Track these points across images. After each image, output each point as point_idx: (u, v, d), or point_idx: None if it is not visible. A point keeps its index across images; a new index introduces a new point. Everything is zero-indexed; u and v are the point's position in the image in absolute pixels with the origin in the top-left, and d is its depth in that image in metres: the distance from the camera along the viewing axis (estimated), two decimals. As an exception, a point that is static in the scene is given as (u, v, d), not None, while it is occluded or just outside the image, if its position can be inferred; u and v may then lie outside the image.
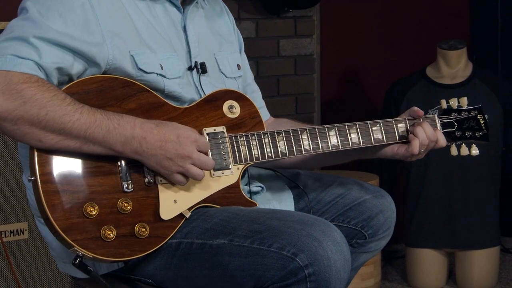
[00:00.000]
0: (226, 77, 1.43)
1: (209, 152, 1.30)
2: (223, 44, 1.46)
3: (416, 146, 1.37)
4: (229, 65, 1.45)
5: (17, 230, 1.92)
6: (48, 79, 1.22)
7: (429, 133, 1.38)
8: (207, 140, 1.29)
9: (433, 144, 1.39)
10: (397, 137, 1.41)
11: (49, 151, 1.21)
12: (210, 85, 1.38)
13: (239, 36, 1.54)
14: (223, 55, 1.44)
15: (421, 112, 1.41)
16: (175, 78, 1.33)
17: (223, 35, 1.48)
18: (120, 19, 1.29)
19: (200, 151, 1.26)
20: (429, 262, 2.60)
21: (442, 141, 1.40)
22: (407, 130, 1.41)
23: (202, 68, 1.37)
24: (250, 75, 1.54)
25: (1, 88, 1.16)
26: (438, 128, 1.43)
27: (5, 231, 1.91)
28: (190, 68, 1.37)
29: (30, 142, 1.20)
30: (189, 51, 1.37)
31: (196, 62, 1.37)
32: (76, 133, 1.19)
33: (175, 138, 1.24)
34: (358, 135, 1.39)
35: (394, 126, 1.41)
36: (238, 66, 1.47)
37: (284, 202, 1.45)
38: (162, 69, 1.31)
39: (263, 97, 1.58)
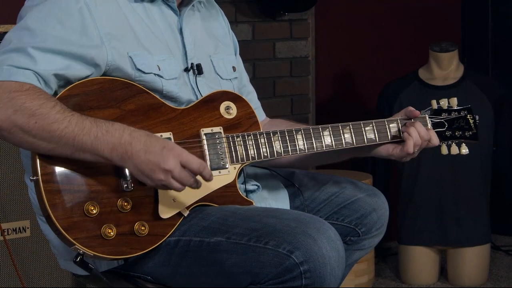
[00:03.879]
0: (221, 78, 1.45)
1: (207, 152, 1.32)
2: (218, 47, 1.48)
3: (410, 146, 1.39)
4: (225, 67, 1.46)
5: (19, 228, 1.92)
6: (47, 85, 1.23)
7: (422, 133, 1.40)
8: (195, 158, 1.24)
9: (426, 143, 1.41)
10: (389, 136, 1.43)
11: None
12: (206, 86, 1.40)
13: (234, 39, 1.55)
14: (218, 57, 1.46)
15: (417, 112, 1.43)
16: (172, 79, 1.34)
17: (218, 38, 1.49)
18: (117, 21, 1.30)
19: (183, 166, 1.23)
20: (421, 259, 2.61)
21: (435, 140, 1.42)
22: (399, 130, 1.43)
23: (198, 69, 1.39)
24: (245, 77, 1.56)
25: None
26: (430, 127, 1.45)
27: (7, 229, 1.91)
28: (186, 70, 1.38)
29: (27, 149, 1.22)
30: (185, 53, 1.39)
31: (192, 64, 1.39)
32: (65, 141, 1.19)
33: (159, 150, 1.21)
34: (351, 135, 1.41)
35: (387, 126, 1.43)
36: (234, 68, 1.49)
37: (280, 200, 1.47)
38: (159, 70, 1.32)
39: (259, 99, 1.59)
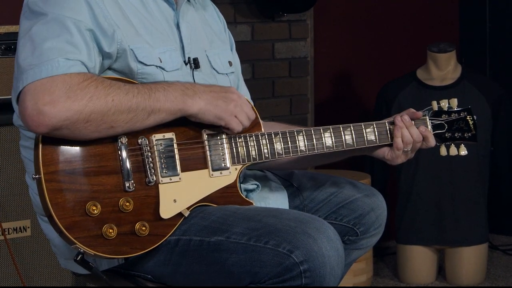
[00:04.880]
0: (217, 73, 1.45)
1: (208, 153, 1.33)
2: (214, 42, 1.48)
3: (399, 143, 1.40)
4: (221, 62, 1.47)
5: (20, 228, 1.93)
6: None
7: (413, 133, 1.40)
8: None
9: (419, 144, 1.42)
10: (389, 138, 1.44)
11: (53, 150, 1.22)
12: (203, 80, 1.40)
13: (230, 36, 1.56)
14: (214, 52, 1.46)
15: (419, 113, 1.44)
16: (174, 71, 1.35)
17: (215, 32, 1.50)
18: (119, 15, 1.31)
19: None
20: (419, 259, 2.63)
21: (432, 141, 1.43)
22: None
23: (195, 64, 1.39)
24: (241, 75, 1.56)
25: (65, 92, 1.18)
26: (429, 129, 1.46)
27: (8, 229, 1.91)
28: (184, 63, 1.39)
29: (102, 133, 1.23)
30: (183, 47, 1.39)
31: (189, 58, 1.39)
32: (143, 104, 1.23)
33: (217, 85, 1.33)
34: (352, 136, 1.41)
35: (387, 127, 1.43)
36: (230, 63, 1.49)
37: (279, 200, 1.47)
38: (161, 62, 1.33)
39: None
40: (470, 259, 2.60)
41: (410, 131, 1.41)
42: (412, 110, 1.45)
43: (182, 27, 1.40)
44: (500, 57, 3.13)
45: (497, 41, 3.14)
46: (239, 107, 1.31)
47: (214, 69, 1.45)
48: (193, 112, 1.28)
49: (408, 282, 2.66)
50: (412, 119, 1.44)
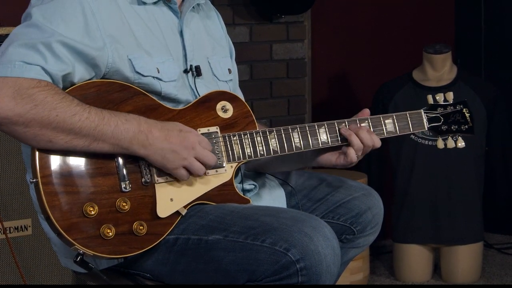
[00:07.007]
0: (218, 80, 1.46)
1: None
2: (215, 48, 1.49)
3: (353, 155, 1.39)
4: (221, 69, 1.48)
5: (21, 227, 1.94)
6: (54, 84, 1.24)
7: (364, 139, 1.40)
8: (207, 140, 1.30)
9: (370, 149, 1.41)
10: (385, 133, 1.45)
11: (49, 153, 1.23)
12: (205, 87, 1.41)
13: (230, 44, 1.57)
14: (215, 59, 1.47)
15: (367, 111, 1.44)
16: (170, 81, 1.35)
17: (216, 40, 1.51)
18: (118, 23, 1.31)
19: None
20: (415, 257, 2.63)
21: (378, 143, 1.41)
22: (395, 127, 1.44)
23: (197, 71, 1.40)
24: (237, 81, 1.57)
25: (12, 94, 1.19)
26: (425, 123, 1.47)
27: (9, 227, 1.92)
28: (185, 71, 1.39)
29: (40, 144, 1.22)
30: (185, 55, 1.40)
31: (191, 66, 1.40)
32: (86, 131, 1.22)
33: (177, 132, 1.27)
34: None
35: (382, 122, 1.44)
36: (229, 70, 1.50)
37: (277, 199, 1.48)
38: (158, 72, 1.33)
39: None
40: (465, 258, 2.61)
41: (361, 138, 1.40)
42: (363, 110, 1.45)
43: (185, 34, 1.41)
44: (495, 58, 3.14)
45: (492, 42, 3.14)
46: (191, 160, 1.28)
47: (215, 76, 1.46)
48: (140, 155, 1.27)
49: (404, 281, 2.67)
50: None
